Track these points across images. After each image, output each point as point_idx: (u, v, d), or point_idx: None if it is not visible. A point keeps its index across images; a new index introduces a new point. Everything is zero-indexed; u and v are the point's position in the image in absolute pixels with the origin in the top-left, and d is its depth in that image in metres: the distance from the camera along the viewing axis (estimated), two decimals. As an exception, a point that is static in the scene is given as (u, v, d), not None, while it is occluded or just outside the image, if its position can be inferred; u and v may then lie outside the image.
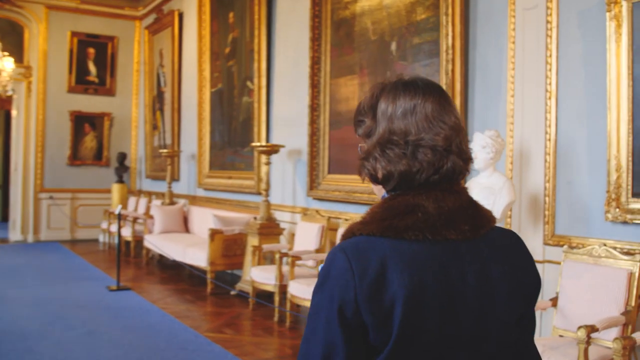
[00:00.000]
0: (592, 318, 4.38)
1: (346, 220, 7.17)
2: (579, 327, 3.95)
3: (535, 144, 5.25)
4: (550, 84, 5.17)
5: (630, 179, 4.60)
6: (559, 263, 5.07)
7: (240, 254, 8.63)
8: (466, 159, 1.50)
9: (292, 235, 8.46)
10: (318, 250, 7.36)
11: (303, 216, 7.92)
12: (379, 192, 1.56)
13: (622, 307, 4.31)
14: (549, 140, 5.17)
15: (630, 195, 4.60)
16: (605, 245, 4.58)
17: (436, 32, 6.19)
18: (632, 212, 4.55)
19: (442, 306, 1.39)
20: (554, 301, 4.70)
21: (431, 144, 1.44)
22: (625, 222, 4.60)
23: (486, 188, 4.92)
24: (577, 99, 5.01)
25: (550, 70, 5.17)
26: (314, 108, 7.97)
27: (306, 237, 7.59)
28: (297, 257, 6.92)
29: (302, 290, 6.55)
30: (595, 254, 4.58)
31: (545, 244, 5.18)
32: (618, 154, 4.63)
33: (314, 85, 7.96)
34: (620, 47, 4.62)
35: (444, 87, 5.92)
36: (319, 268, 1.48)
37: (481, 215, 1.50)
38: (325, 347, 1.37)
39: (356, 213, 7.25)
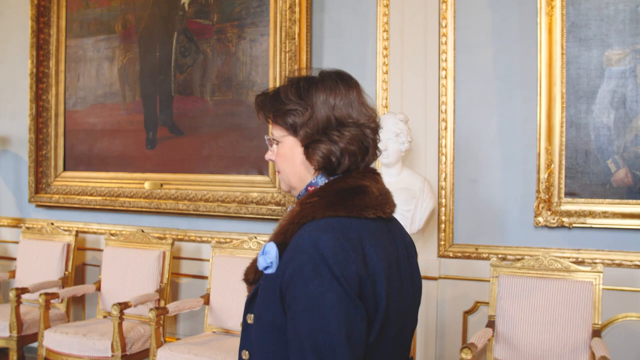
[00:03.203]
0: (555, 345, 3.60)
1: (112, 235, 5.13)
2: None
3: (424, 134, 4.25)
4: (445, 60, 4.22)
5: (562, 176, 3.94)
6: (460, 279, 4.20)
7: None
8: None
9: (-4, 258, 5.93)
10: (64, 280, 5.14)
11: (25, 232, 5.51)
12: (300, 182, 1.59)
13: (590, 327, 3.61)
14: (445, 129, 4.23)
15: (563, 194, 3.94)
16: (549, 254, 3.83)
17: (264, -18, 4.71)
18: (568, 214, 3.90)
19: (397, 275, 1.53)
20: (492, 327, 3.78)
21: (373, 127, 1.58)
22: (561, 227, 3.92)
23: (403, 189, 3.74)
24: (482, 81, 4.16)
25: (445, 43, 4.22)
26: (39, 78, 5.61)
27: (38, 261, 5.26)
28: (53, 295, 4.65)
29: (66, 343, 4.38)
30: (542, 266, 3.80)
31: (442, 256, 4.24)
32: (550, 147, 3.93)
33: (40, 47, 5.60)
34: (553, 23, 3.91)
35: (287, 55, 4.58)
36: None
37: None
38: (344, 326, 1.35)
39: (127, 225, 5.27)
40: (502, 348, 3.73)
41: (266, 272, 1.47)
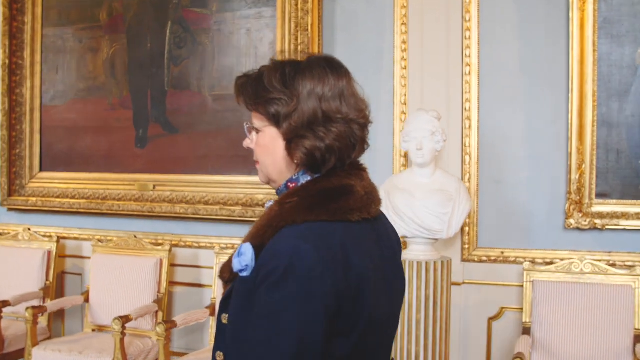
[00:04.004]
0: (596, 351, 3.47)
1: (100, 241, 4.74)
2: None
3: (446, 132, 4.02)
4: (469, 55, 4.04)
5: (594, 177, 3.82)
6: (485, 284, 4.04)
7: None
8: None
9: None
10: (45, 291, 4.71)
11: (-2, 238, 5.05)
12: (280, 176, 1.48)
13: (632, 332, 3.49)
14: (469, 127, 4.06)
15: (594, 196, 3.82)
16: (584, 258, 3.70)
17: (270, -33, 4.42)
18: (600, 216, 3.78)
19: (381, 280, 1.45)
20: (528, 334, 3.62)
21: (362, 122, 1.46)
22: (593, 229, 3.80)
23: (438, 191, 3.54)
24: (508, 77, 4.01)
25: (469, 38, 4.04)
26: (12, 70, 5.14)
27: (15, 270, 4.80)
28: (40, 309, 4.24)
29: (59, 361, 4.01)
30: (577, 269, 3.66)
31: (466, 260, 4.06)
32: (582, 147, 3.80)
33: (13, 35, 5.13)
34: (585, 18, 3.78)
35: (298, 48, 4.29)
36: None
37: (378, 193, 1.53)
38: (296, 345, 1.25)
39: (112, 230, 4.89)
40: (541, 356, 3.58)
41: (241, 274, 1.37)
